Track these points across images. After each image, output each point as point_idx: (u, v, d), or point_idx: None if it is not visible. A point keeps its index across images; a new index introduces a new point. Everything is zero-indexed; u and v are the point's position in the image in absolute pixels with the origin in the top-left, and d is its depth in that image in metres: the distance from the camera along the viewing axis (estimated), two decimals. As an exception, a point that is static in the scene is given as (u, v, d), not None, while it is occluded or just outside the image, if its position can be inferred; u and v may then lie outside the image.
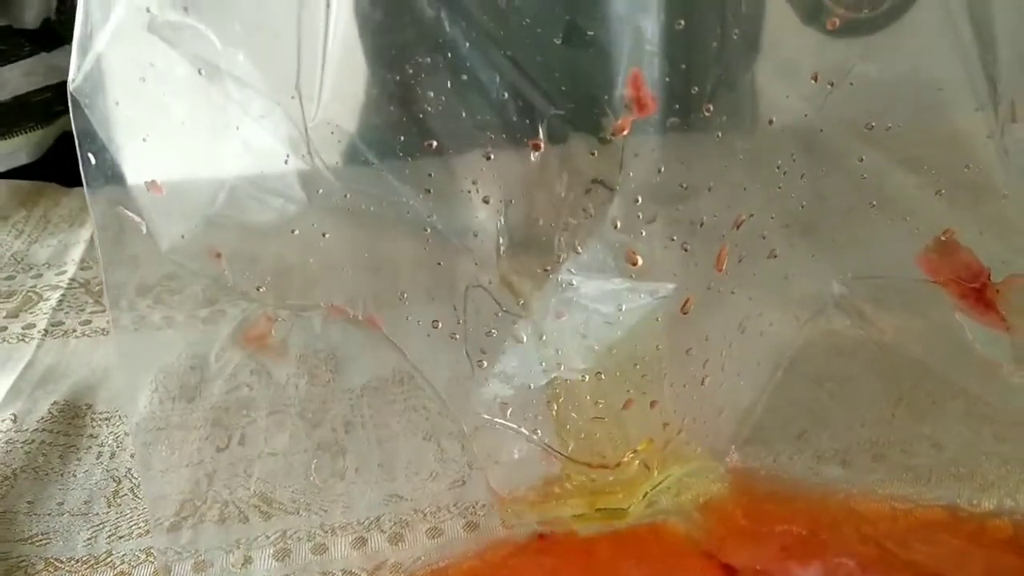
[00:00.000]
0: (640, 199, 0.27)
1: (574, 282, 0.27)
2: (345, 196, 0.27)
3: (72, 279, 0.43)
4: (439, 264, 0.28)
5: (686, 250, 0.27)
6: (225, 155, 0.27)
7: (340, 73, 0.25)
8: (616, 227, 0.27)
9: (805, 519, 0.28)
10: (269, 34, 0.26)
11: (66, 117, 0.25)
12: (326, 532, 0.29)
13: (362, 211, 0.28)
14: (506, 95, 0.25)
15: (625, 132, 0.26)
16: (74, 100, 0.24)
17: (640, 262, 0.27)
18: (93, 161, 0.25)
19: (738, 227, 0.28)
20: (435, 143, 0.26)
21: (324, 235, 0.28)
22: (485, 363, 0.28)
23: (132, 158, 0.26)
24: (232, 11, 0.26)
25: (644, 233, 0.27)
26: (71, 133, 0.25)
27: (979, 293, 0.30)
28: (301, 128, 0.26)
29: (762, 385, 0.30)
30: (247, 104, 0.26)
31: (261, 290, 0.30)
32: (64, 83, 0.25)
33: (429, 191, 0.27)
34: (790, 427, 0.32)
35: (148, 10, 0.25)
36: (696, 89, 0.26)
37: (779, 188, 0.28)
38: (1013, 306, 0.28)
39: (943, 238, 0.30)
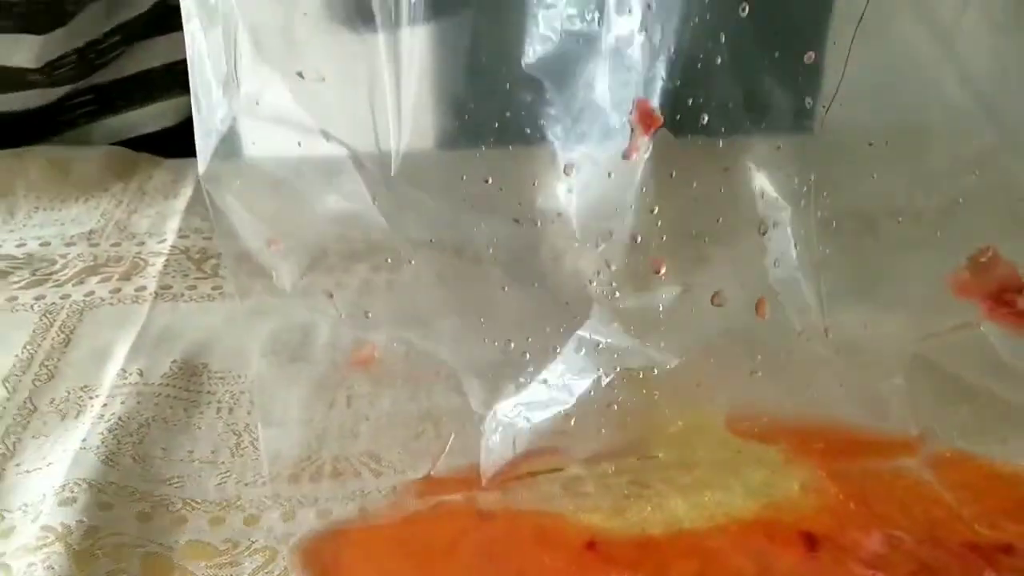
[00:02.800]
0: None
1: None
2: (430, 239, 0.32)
3: (173, 246, 0.46)
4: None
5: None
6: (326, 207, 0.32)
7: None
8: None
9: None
10: (351, 108, 0.30)
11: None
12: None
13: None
14: None
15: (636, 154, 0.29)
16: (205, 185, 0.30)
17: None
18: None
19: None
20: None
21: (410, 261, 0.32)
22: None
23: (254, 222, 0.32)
24: (321, 96, 0.30)
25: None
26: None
27: (1012, 305, 0.33)
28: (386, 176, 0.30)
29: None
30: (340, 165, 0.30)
31: (369, 315, 0.35)
32: None
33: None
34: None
35: (257, 102, 0.29)
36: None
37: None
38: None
39: (982, 258, 0.33)
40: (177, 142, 0.57)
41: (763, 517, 0.30)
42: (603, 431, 0.33)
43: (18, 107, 0.54)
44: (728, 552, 0.29)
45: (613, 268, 0.30)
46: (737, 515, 0.30)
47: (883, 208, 0.33)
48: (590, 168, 0.30)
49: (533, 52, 0.30)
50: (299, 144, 0.30)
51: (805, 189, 0.31)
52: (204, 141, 0.30)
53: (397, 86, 0.29)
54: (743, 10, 0.27)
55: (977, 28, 0.30)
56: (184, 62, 0.30)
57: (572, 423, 0.32)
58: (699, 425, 0.33)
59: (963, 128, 0.31)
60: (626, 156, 0.29)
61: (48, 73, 0.53)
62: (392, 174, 0.29)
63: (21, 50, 0.51)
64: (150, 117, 0.58)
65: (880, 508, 0.31)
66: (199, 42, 0.30)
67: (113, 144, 0.57)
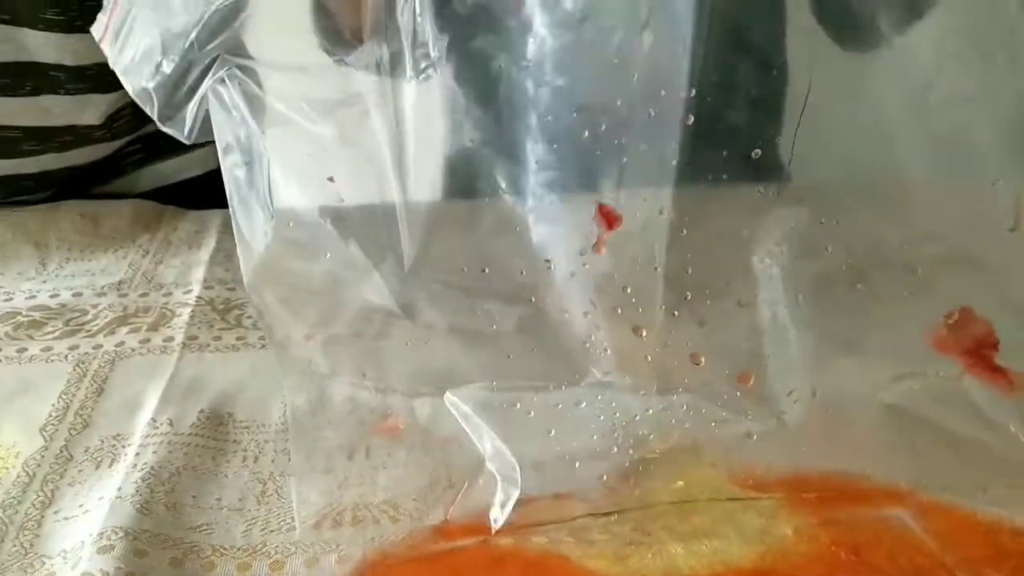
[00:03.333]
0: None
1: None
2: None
3: (199, 297, 0.49)
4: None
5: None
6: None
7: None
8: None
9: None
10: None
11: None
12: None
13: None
14: None
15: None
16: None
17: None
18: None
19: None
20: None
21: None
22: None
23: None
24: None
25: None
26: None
27: (988, 361, 0.35)
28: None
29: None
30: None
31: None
32: None
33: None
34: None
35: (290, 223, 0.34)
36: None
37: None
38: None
39: (950, 320, 0.35)
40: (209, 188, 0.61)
41: (758, 565, 0.32)
42: (605, 478, 0.35)
43: (83, 160, 0.58)
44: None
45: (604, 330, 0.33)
46: (733, 563, 0.32)
47: (871, 260, 0.36)
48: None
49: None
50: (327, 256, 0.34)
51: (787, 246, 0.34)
52: (246, 258, 0.34)
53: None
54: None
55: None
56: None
57: (577, 470, 0.35)
58: (699, 476, 0.35)
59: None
60: (596, 250, 0.34)
61: (108, 127, 0.57)
62: (406, 271, 0.33)
63: (89, 109, 0.56)
64: (189, 163, 0.62)
65: (868, 556, 0.32)
66: (237, 173, 0.33)
67: (157, 188, 0.61)
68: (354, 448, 0.38)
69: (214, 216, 0.57)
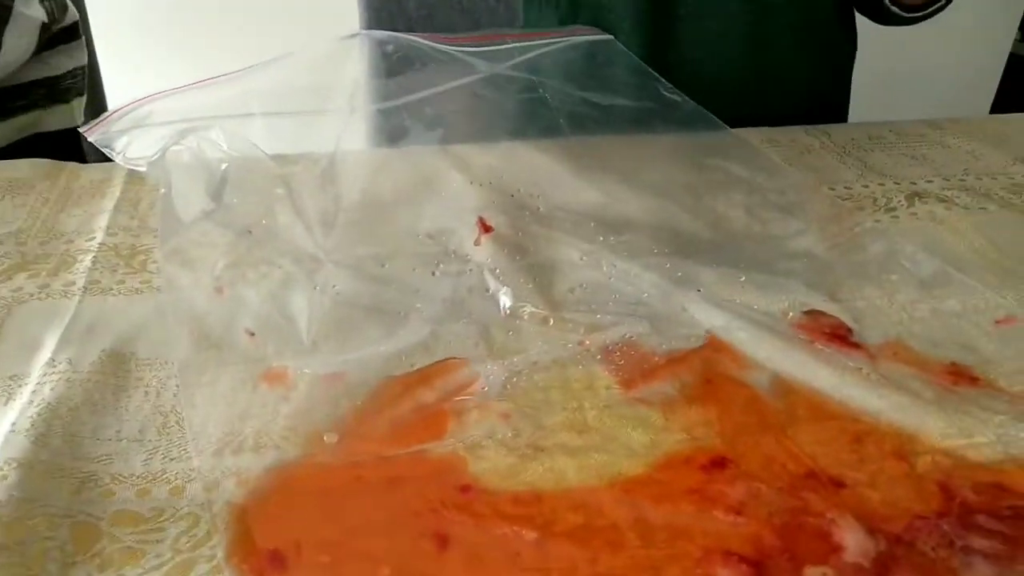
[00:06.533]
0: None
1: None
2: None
3: (102, 243, 0.48)
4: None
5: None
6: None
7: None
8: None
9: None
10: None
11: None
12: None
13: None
14: None
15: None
16: None
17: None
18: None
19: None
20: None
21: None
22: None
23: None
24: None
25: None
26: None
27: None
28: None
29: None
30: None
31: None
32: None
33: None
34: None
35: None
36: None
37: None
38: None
39: None
40: None
41: (642, 477, 0.34)
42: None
43: None
44: (610, 506, 0.33)
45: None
46: (621, 474, 0.34)
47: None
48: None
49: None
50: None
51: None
52: None
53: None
54: None
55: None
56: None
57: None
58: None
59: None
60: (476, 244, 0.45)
61: None
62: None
63: None
64: None
65: (745, 465, 0.35)
66: None
67: None
68: (256, 383, 0.38)
69: (119, 167, 0.56)
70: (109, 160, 0.55)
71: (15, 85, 0.64)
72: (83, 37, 0.70)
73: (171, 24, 1.40)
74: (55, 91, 0.67)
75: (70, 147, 0.70)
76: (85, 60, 0.71)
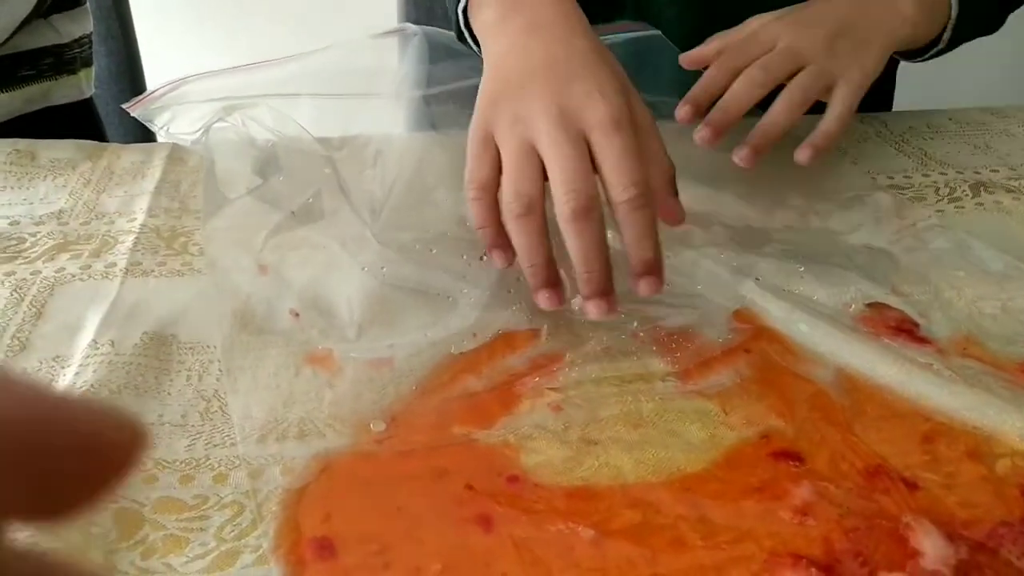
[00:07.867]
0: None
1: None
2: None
3: (143, 224, 0.48)
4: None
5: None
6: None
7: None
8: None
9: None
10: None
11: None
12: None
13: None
14: None
15: None
16: None
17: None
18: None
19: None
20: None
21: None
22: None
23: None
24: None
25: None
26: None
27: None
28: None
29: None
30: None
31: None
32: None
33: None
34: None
35: None
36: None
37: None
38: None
39: None
40: None
41: (702, 473, 0.33)
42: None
43: None
44: (669, 504, 0.31)
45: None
46: (679, 471, 0.33)
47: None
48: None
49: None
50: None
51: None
52: None
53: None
54: None
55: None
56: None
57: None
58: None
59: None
60: None
61: None
62: None
63: None
64: None
65: (811, 463, 0.33)
66: None
67: None
68: (300, 366, 0.37)
69: (160, 148, 0.56)
70: (142, 139, 0.55)
71: (22, 52, 0.62)
72: (87, 4, 0.68)
73: (210, 18, 1.40)
74: (61, 60, 0.65)
75: (83, 122, 0.69)
76: (91, 28, 0.69)
